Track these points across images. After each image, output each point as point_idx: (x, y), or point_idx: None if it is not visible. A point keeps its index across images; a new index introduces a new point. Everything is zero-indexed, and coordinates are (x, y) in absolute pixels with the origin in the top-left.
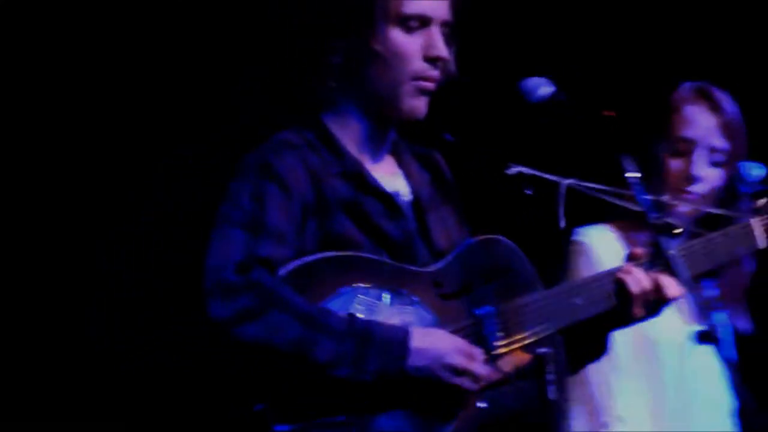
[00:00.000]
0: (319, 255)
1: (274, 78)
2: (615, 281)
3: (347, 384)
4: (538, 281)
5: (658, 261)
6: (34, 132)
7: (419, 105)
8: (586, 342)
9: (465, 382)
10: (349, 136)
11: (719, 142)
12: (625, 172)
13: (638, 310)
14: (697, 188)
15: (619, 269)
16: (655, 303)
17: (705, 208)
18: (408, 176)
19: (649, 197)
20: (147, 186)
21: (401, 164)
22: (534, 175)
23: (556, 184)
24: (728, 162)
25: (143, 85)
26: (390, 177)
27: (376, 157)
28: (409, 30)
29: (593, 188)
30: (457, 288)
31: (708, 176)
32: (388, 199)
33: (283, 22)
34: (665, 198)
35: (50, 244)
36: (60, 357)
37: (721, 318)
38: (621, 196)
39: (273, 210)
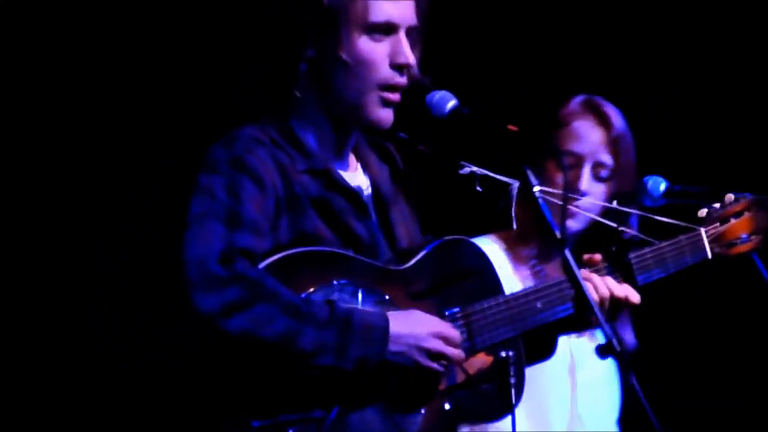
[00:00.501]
0: (300, 249)
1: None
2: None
3: (327, 375)
4: (500, 284)
5: (616, 268)
6: (35, 132)
7: (385, 116)
8: (534, 344)
9: (437, 366)
10: (313, 136)
11: (606, 157)
12: (532, 185)
13: (595, 317)
14: (584, 202)
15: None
16: (612, 309)
17: (652, 216)
18: (365, 168)
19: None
20: (147, 186)
21: (359, 157)
22: (486, 176)
23: (507, 184)
24: (613, 178)
25: (142, 86)
26: (352, 173)
27: (339, 155)
28: (375, 37)
29: (544, 191)
30: (426, 288)
31: (594, 191)
32: (355, 197)
33: (254, 28)
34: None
35: (50, 244)
36: (59, 357)
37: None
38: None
39: (248, 203)
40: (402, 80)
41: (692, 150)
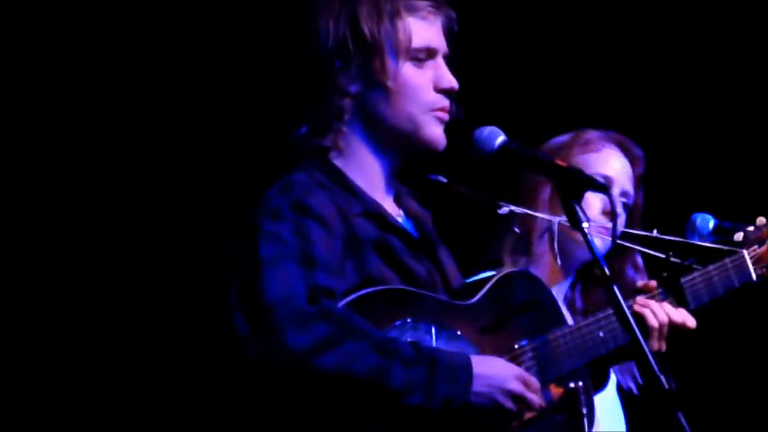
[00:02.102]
0: (373, 288)
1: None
2: (633, 315)
3: (413, 415)
4: (563, 315)
5: (671, 293)
6: (37, 133)
7: (439, 134)
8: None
9: (521, 409)
10: (360, 176)
11: (630, 188)
12: (580, 221)
13: (654, 343)
14: (618, 224)
15: (634, 302)
16: (671, 335)
17: (693, 241)
18: (408, 215)
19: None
20: (147, 186)
21: (400, 203)
22: (525, 214)
23: (548, 221)
24: (628, 212)
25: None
26: (398, 215)
27: (385, 197)
28: (418, 63)
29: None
30: (493, 321)
31: (622, 216)
32: (409, 237)
33: (292, 69)
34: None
35: (52, 244)
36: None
37: None
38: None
39: (319, 245)
40: (447, 103)
41: (730, 185)
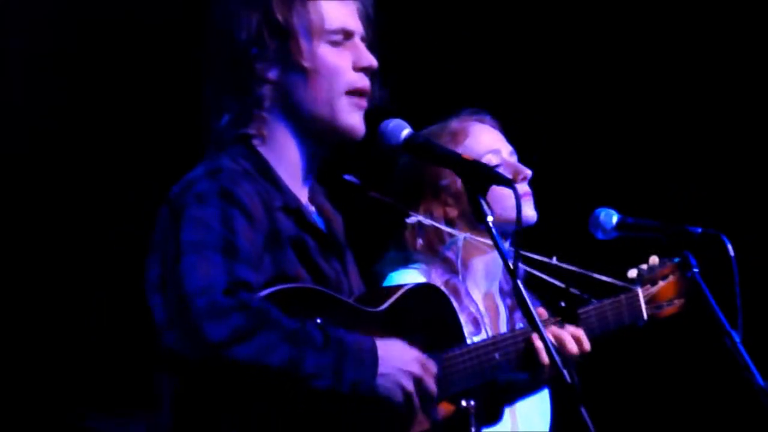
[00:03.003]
0: (291, 285)
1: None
2: (525, 341)
3: (324, 398)
4: (462, 331)
5: (568, 321)
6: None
7: (357, 121)
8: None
9: (418, 392)
10: (283, 167)
11: (509, 145)
12: (485, 215)
13: (546, 371)
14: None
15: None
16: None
17: (590, 273)
18: (320, 213)
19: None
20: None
21: (313, 202)
22: (432, 226)
23: (451, 235)
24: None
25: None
26: (313, 214)
27: (301, 192)
28: (335, 44)
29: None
30: (398, 331)
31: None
32: (322, 236)
33: (209, 56)
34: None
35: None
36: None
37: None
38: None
39: (242, 236)
40: (367, 83)
41: (644, 182)
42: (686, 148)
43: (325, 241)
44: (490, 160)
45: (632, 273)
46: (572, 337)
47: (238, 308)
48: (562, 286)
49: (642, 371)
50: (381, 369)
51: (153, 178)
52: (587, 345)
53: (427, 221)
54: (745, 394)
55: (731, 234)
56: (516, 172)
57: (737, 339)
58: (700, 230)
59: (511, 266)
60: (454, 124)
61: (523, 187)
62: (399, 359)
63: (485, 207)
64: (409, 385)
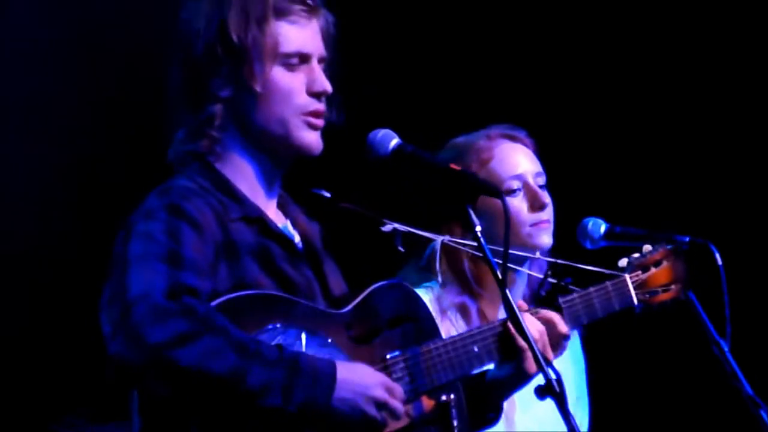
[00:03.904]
0: (243, 293)
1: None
2: (502, 331)
3: (271, 417)
4: (437, 328)
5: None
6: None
7: (312, 139)
8: (482, 406)
9: (384, 417)
10: (242, 181)
11: (538, 167)
12: (474, 225)
13: (529, 363)
14: (549, 213)
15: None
16: (553, 343)
17: (576, 264)
18: (295, 225)
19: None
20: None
21: (287, 214)
22: (409, 232)
23: (430, 240)
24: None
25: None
26: (282, 224)
27: (267, 203)
28: (290, 67)
29: (467, 245)
30: (366, 331)
31: (549, 205)
32: (289, 243)
33: (163, 75)
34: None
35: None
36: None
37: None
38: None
39: (188, 246)
40: (321, 106)
41: (632, 191)
42: (674, 156)
43: (293, 249)
44: (512, 185)
45: (622, 262)
46: (546, 321)
47: (180, 312)
48: (541, 276)
49: (631, 380)
50: (339, 393)
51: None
52: (563, 327)
53: (403, 227)
54: (733, 402)
55: (719, 243)
56: (533, 199)
57: (725, 348)
58: (688, 239)
59: (500, 276)
60: (482, 142)
61: (538, 216)
62: (360, 384)
63: (473, 217)
64: (371, 410)
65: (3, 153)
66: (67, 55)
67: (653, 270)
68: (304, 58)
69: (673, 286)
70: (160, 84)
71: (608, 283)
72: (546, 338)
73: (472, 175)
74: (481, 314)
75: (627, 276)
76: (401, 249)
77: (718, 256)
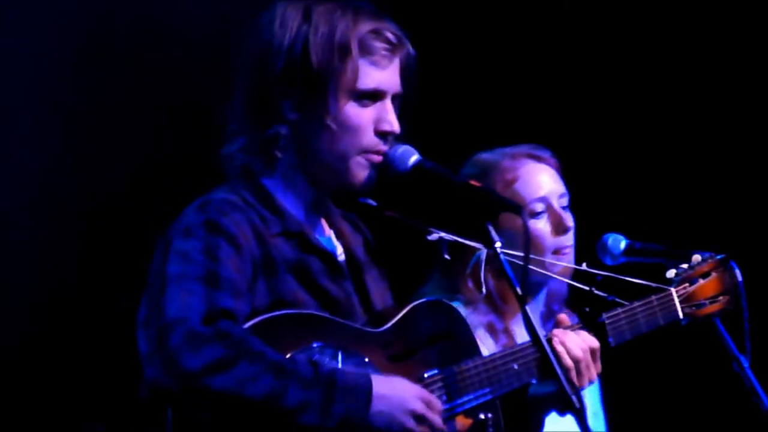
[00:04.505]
0: (280, 312)
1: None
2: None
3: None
4: (477, 346)
5: (590, 328)
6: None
7: (366, 177)
8: (523, 422)
9: (423, 430)
10: (287, 197)
11: (563, 188)
12: (494, 241)
13: (581, 378)
14: (571, 237)
15: (551, 335)
16: (594, 363)
17: (622, 277)
18: (339, 236)
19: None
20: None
21: (332, 225)
22: (455, 241)
23: (476, 250)
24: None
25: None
26: (326, 238)
27: (313, 220)
28: (362, 103)
29: (514, 255)
30: (404, 350)
31: (571, 227)
32: (330, 258)
33: (242, 74)
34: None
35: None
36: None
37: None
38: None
39: (226, 264)
40: (385, 147)
41: (653, 207)
42: (694, 172)
43: (333, 263)
44: (536, 208)
45: (670, 273)
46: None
47: (217, 337)
48: (586, 289)
49: (649, 395)
50: (376, 407)
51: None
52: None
53: (449, 236)
54: (753, 418)
55: (739, 258)
56: (557, 223)
57: (745, 363)
58: (708, 255)
59: (519, 292)
60: (506, 161)
61: (560, 242)
62: (398, 397)
63: (493, 233)
64: (409, 423)
65: (4, 153)
66: (74, 56)
67: (701, 282)
68: (378, 95)
69: (720, 298)
70: (161, 85)
71: (653, 297)
72: (589, 357)
73: (492, 191)
74: (508, 333)
75: (673, 290)
76: (447, 257)
77: (738, 271)
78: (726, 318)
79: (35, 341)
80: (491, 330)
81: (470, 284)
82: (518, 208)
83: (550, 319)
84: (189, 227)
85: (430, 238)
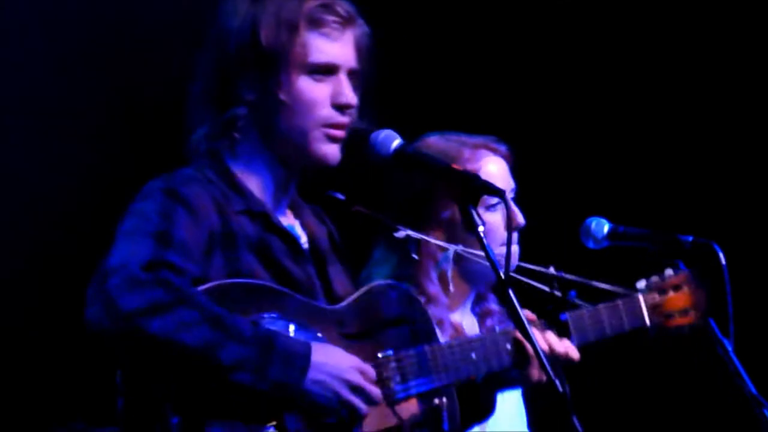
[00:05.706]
0: (235, 279)
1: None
2: (512, 340)
3: (244, 393)
4: (434, 331)
5: (552, 326)
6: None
7: (330, 151)
8: (475, 401)
9: (358, 401)
10: (252, 179)
11: (512, 183)
12: (476, 225)
13: (535, 371)
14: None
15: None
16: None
17: (590, 282)
18: (304, 226)
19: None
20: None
21: (297, 215)
22: (421, 239)
23: (442, 249)
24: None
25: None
26: (290, 223)
27: (277, 204)
28: (316, 78)
29: (478, 255)
30: (359, 330)
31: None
32: (293, 241)
33: (200, 62)
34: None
35: None
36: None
37: None
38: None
39: (180, 228)
40: (344, 119)
41: (636, 191)
42: (677, 155)
43: (296, 247)
44: (491, 201)
45: (641, 283)
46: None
47: (156, 282)
48: (548, 290)
49: (633, 380)
50: (312, 374)
51: None
52: (574, 354)
53: (417, 235)
54: (736, 402)
55: (722, 242)
56: (510, 220)
57: (729, 347)
58: (691, 239)
59: (502, 276)
60: (468, 152)
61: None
62: (335, 366)
63: (476, 217)
64: (345, 393)
65: (5, 154)
66: (75, 56)
67: (671, 293)
68: (332, 69)
69: (691, 312)
70: (158, 85)
71: (619, 301)
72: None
73: (476, 176)
74: (453, 326)
75: (640, 296)
76: (415, 256)
77: (721, 255)
78: (711, 303)
79: (20, 341)
80: (438, 323)
81: (435, 279)
82: (501, 192)
83: (479, 303)
84: (148, 192)
85: (397, 235)
